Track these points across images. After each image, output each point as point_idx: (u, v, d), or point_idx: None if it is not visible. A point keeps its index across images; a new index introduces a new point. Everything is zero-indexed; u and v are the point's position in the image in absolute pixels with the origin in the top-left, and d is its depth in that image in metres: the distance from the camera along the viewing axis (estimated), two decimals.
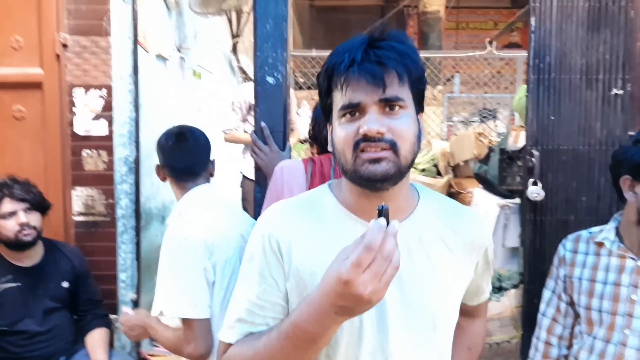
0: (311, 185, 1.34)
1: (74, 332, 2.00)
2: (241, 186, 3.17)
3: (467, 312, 1.01)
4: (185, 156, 1.57)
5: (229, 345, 0.80)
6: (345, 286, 0.61)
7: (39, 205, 1.91)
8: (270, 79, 1.81)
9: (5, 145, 2.23)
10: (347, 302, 0.63)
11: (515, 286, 2.30)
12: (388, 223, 0.63)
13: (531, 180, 2.19)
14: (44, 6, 2.22)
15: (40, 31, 2.24)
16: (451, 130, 6.28)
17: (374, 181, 0.75)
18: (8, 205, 1.82)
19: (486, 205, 2.83)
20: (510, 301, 2.23)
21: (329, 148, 0.83)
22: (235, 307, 0.81)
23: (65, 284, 1.96)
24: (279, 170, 1.44)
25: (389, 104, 0.75)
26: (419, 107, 0.81)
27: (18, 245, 1.85)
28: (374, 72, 0.73)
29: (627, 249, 1.25)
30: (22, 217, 1.83)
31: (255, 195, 1.81)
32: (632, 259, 1.24)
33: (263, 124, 1.74)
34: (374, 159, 0.73)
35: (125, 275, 2.31)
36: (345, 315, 0.66)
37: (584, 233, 1.38)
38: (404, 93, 0.76)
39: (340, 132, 0.77)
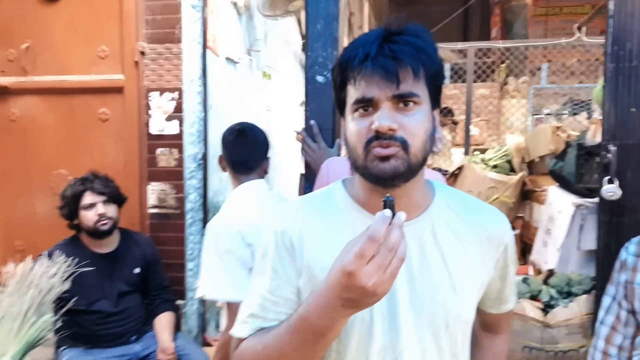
0: None
1: (145, 314, 2.19)
2: (299, 185, 3.26)
3: (488, 324, 0.97)
4: (242, 151, 1.68)
5: (241, 340, 0.81)
6: (349, 277, 0.61)
7: (116, 198, 2.15)
8: (320, 78, 1.85)
9: (92, 144, 2.51)
10: (351, 294, 0.63)
11: (586, 292, 2.12)
12: (394, 214, 0.62)
13: (607, 178, 2.01)
14: (125, 18, 2.46)
15: (122, 41, 2.48)
16: (539, 124, 5.89)
17: (383, 179, 0.74)
18: (89, 197, 2.06)
19: (560, 204, 2.64)
20: (580, 308, 2.07)
21: (342, 142, 0.84)
22: (248, 302, 0.82)
23: (137, 270, 2.17)
24: (325, 167, 1.47)
25: (402, 100, 0.74)
26: (435, 103, 0.79)
27: (96, 233, 2.08)
28: (387, 67, 0.72)
29: None
30: (101, 208, 2.06)
31: (305, 191, 1.86)
32: None
33: (312, 121, 1.78)
34: (384, 156, 0.73)
35: (192, 264, 2.48)
36: (352, 308, 0.65)
37: None
38: (419, 89, 0.75)
39: (353, 127, 0.77)
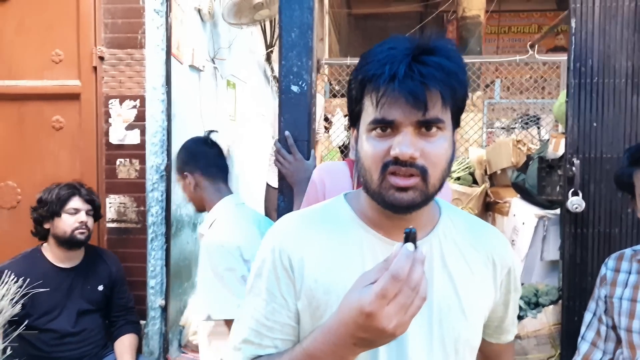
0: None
1: (104, 337, 2.05)
2: (265, 195, 3.21)
3: (487, 357, 0.93)
4: (220, 160, 1.66)
5: None
6: (367, 318, 0.57)
7: (96, 212, 2.07)
8: (295, 88, 1.80)
9: (45, 154, 2.33)
10: (368, 334, 0.58)
11: (553, 302, 2.17)
12: (415, 247, 0.58)
13: (571, 190, 2.07)
14: (82, 21, 2.32)
15: (78, 45, 2.33)
16: (492, 136, 6.09)
17: (398, 208, 0.70)
18: (76, 203, 1.98)
19: (524, 216, 2.71)
20: (547, 318, 2.11)
21: (351, 155, 0.78)
22: (242, 326, 0.76)
23: (100, 288, 2.04)
24: (318, 175, 1.39)
25: (426, 126, 0.69)
26: (457, 124, 0.75)
27: (69, 242, 1.96)
28: (416, 92, 0.66)
29: None
30: (84, 216, 1.98)
31: (279, 204, 1.79)
32: None
33: (287, 132, 1.73)
34: (402, 187, 0.68)
35: (154, 281, 2.35)
36: (365, 347, 0.61)
37: (627, 251, 1.29)
38: (445, 114, 0.70)
39: (368, 147, 0.70)
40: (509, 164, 3.10)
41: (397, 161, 0.68)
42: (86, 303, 1.99)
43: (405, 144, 0.67)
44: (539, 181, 2.67)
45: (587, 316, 1.33)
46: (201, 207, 1.67)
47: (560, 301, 2.14)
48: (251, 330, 0.75)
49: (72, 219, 1.95)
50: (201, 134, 3.10)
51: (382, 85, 0.67)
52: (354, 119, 0.77)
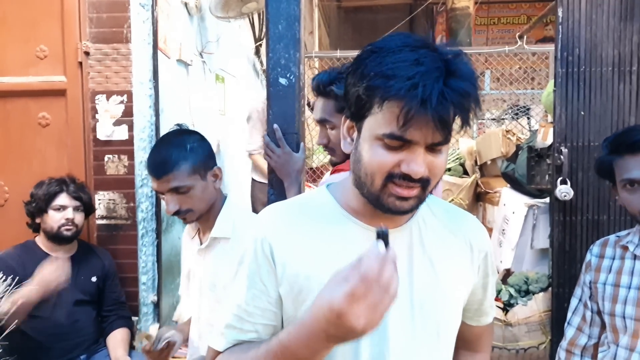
0: None
1: (97, 332, 2.05)
2: (251, 191, 3.23)
3: (468, 341, 0.94)
4: None
5: (217, 353, 0.78)
6: (337, 317, 0.58)
7: (87, 207, 2.08)
8: (283, 80, 1.79)
9: (31, 152, 2.31)
10: (338, 332, 0.60)
11: (543, 290, 2.19)
12: (387, 246, 0.58)
13: (560, 178, 2.09)
14: (66, 16, 2.29)
15: (63, 40, 2.30)
16: (483, 128, 6.11)
17: (395, 213, 0.73)
18: (63, 199, 1.98)
19: (514, 205, 2.73)
20: (538, 305, 2.13)
21: (344, 147, 0.77)
22: (225, 312, 0.79)
23: (94, 279, 2.06)
24: None
25: (437, 144, 0.69)
26: None
27: (57, 237, 1.98)
28: (445, 120, 0.66)
29: None
30: (70, 213, 1.99)
31: (269, 197, 1.79)
32: None
33: (276, 125, 1.72)
34: (404, 197, 0.70)
35: (146, 277, 2.34)
36: (336, 342, 0.63)
37: (611, 237, 1.30)
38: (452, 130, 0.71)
39: (374, 155, 0.70)
40: (499, 154, 3.11)
41: (404, 176, 0.69)
42: (80, 293, 2.01)
43: (418, 163, 0.68)
44: (528, 170, 2.69)
45: (573, 302, 1.34)
46: (207, 210, 1.46)
47: (550, 288, 2.17)
48: (233, 316, 0.77)
49: (59, 215, 1.97)
50: (190, 128, 3.09)
51: (412, 106, 0.64)
52: (354, 116, 0.74)
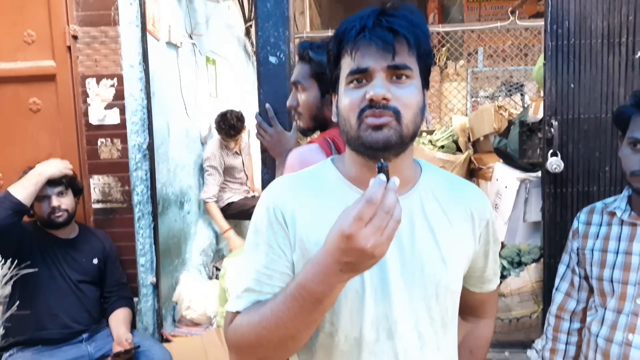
0: None
1: (99, 312, 2.09)
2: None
3: (472, 307, 0.98)
4: None
5: (236, 314, 0.81)
6: (348, 241, 0.62)
7: (73, 188, 2.07)
8: (272, 59, 1.79)
9: (23, 137, 2.30)
10: (350, 257, 0.63)
11: (535, 261, 2.24)
12: (388, 180, 0.63)
13: (550, 151, 2.11)
14: (53, 0, 2.26)
15: (51, 24, 2.27)
16: (477, 105, 6.11)
17: (375, 149, 0.75)
18: (43, 190, 1.96)
19: (506, 180, 2.75)
20: (530, 276, 2.17)
21: (334, 118, 0.84)
22: (243, 278, 0.82)
23: (95, 261, 2.09)
24: (298, 163, 1.34)
25: (396, 72, 0.75)
26: (425, 83, 0.82)
27: (51, 224, 2.00)
28: (385, 37, 0.74)
29: (638, 217, 1.19)
30: (55, 201, 1.98)
31: (263, 177, 1.80)
32: None
33: (268, 105, 1.73)
34: (377, 125, 0.74)
35: (144, 259, 2.36)
36: (350, 272, 0.66)
37: (598, 204, 1.33)
38: (412, 63, 0.77)
39: (346, 98, 0.77)
40: (491, 130, 3.12)
41: (372, 104, 0.74)
42: (82, 275, 2.04)
43: (378, 85, 0.74)
44: (520, 145, 2.70)
45: (561, 268, 1.37)
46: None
47: (542, 259, 2.21)
48: (252, 280, 0.80)
49: (45, 204, 1.98)
50: (182, 111, 3.08)
51: (354, 36, 0.75)
52: (334, 84, 0.83)
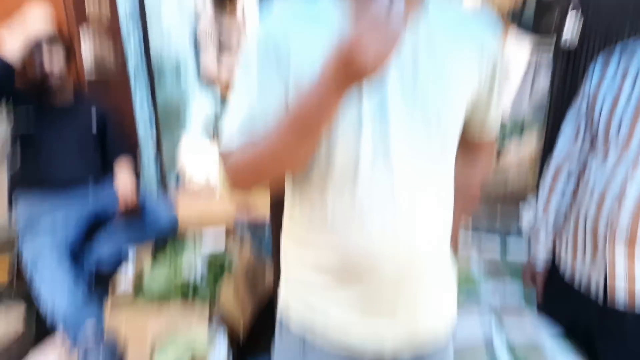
0: None
1: (103, 163, 2.11)
2: None
3: (471, 146, 0.98)
4: None
5: (231, 153, 0.79)
6: (349, 46, 0.61)
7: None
8: None
9: None
10: (350, 67, 0.62)
11: (536, 130, 2.20)
12: None
13: (567, 20, 1.98)
14: None
15: None
16: None
17: None
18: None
19: (517, 54, 2.66)
20: (530, 144, 2.16)
21: None
22: (235, 115, 0.79)
23: (94, 123, 2.08)
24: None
25: None
26: None
27: (46, 91, 1.96)
28: None
29: None
30: (46, 53, 1.91)
31: None
32: None
33: None
34: None
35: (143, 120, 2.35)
36: (348, 80, 0.64)
37: (618, 46, 1.25)
38: None
39: None
40: (507, 7, 2.96)
41: None
42: (84, 138, 2.05)
43: None
44: (535, 18, 2.58)
45: (571, 114, 1.33)
46: None
47: (545, 128, 2.17)
48: (245, 116, 0.78)
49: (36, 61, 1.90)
50: None
51: None
52: None
